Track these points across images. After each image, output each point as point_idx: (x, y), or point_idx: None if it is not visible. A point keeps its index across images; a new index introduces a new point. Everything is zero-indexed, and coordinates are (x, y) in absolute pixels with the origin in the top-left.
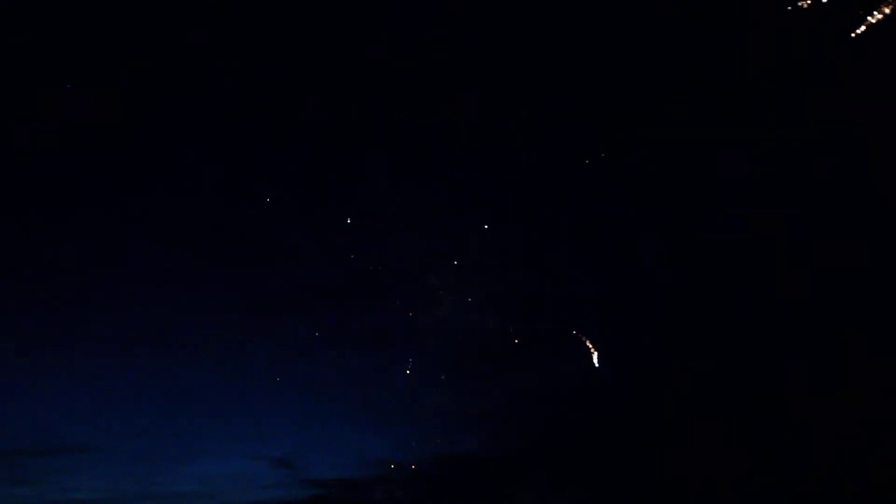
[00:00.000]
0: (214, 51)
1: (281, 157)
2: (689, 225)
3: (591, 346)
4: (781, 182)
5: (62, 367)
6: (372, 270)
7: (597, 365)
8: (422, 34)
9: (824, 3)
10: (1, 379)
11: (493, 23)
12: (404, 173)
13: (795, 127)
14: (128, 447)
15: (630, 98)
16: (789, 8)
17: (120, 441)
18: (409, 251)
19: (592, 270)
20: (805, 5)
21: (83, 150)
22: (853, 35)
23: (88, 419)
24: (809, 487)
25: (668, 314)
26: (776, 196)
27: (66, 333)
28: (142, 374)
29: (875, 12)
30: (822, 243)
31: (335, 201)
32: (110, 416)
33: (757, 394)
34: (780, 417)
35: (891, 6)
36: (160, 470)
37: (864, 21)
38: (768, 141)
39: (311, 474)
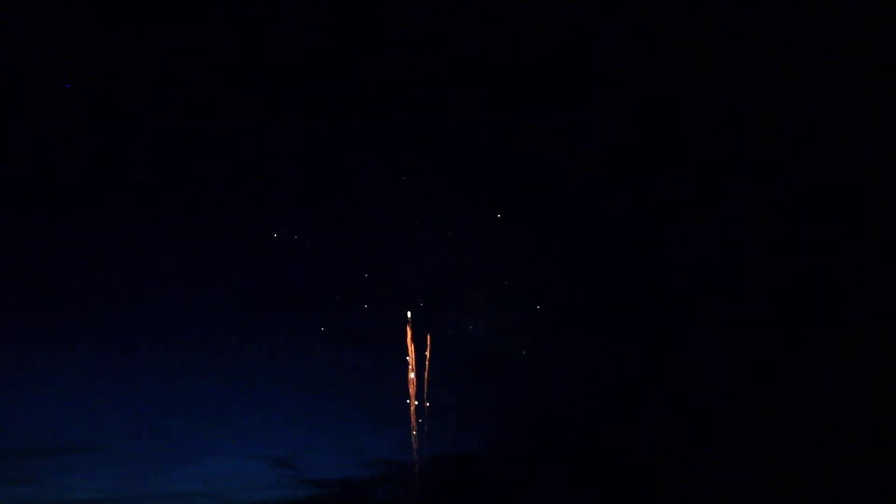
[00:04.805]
0: (213, 51)
1: (281, 157)
2: (691, 227)
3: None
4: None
5: (62, 367)
6: (372, 271)
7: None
8: (423, 34)
9: None
10: (1, 379)
11: (497, 23)
12: (405, 173)
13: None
14: (128, 447)
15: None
16: None
17: (120, 441)
18: (409, 251)
19: (594, 271)
20: None
21: (82, 149)
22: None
23: (88, 419)
24: (809, 488)
25: (668, 315)
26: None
27: (67, 333)
28: (142, 374)
29: None
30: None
31: (335, 201)
32: (110, 416)
33: (757, 395)
34: (780, 418)
35: None
36: (160, 470)
37: None
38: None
39: (311, 474)
